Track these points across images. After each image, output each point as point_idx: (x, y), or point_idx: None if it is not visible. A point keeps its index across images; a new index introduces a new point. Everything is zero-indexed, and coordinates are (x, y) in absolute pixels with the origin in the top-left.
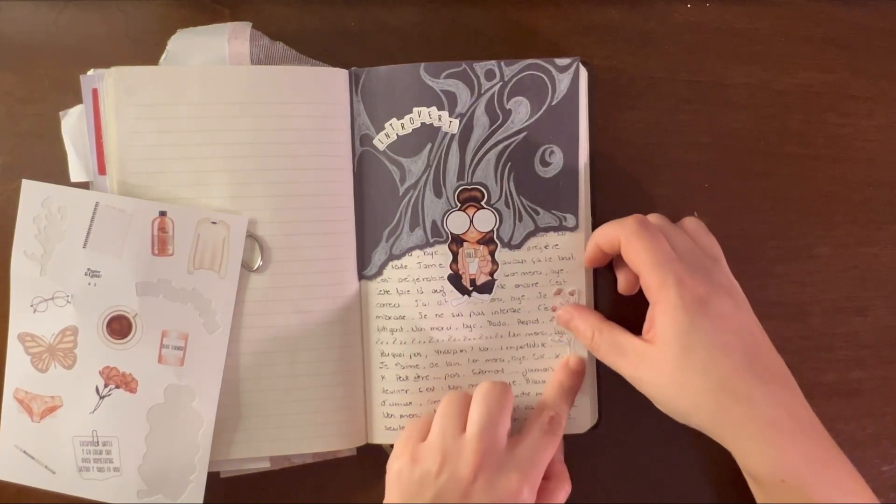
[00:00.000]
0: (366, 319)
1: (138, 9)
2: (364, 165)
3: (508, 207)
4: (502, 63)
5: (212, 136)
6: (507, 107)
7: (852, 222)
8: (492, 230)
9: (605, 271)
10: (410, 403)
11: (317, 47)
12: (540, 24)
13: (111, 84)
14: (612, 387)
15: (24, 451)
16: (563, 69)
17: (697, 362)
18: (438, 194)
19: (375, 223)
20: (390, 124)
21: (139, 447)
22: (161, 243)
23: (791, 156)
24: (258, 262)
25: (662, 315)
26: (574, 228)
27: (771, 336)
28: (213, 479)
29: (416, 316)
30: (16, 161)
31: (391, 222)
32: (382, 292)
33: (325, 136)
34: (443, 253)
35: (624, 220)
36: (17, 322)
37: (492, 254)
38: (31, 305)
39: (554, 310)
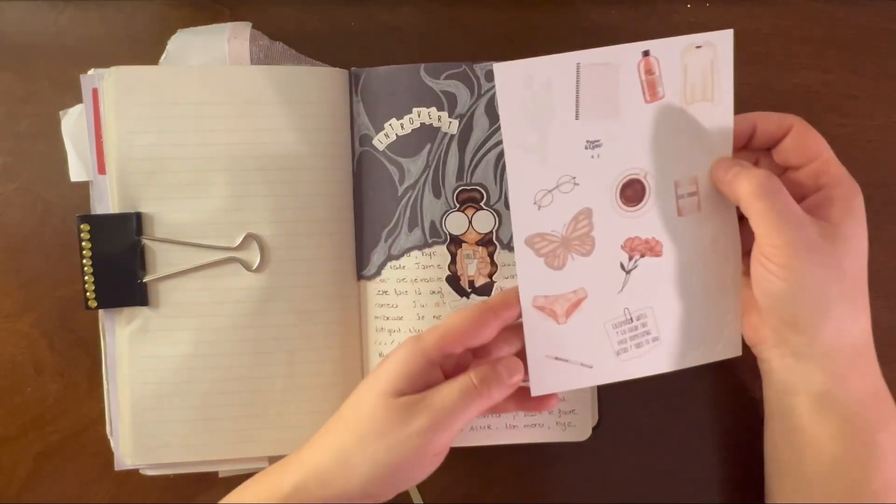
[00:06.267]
0: (364, 320)
1: (138, 9)
2: (363, 165)
3: (508, 209)
4: None
5: (212, 136)
6: None
7: None
8: (491, 231)
9: None
10: None
11: (317, 47)
12: (540, 24)
13: (111, 84)
14: (611, 387)
15: (557, 358)
16: None
17: (850, 252)
18: (437, 195)
19: (374, 223)
20: (390, 124)
21: (675, 309)
22: (650, 87)
23: None
24: (257, 262)
25: (845, 199)
26: None
27: None
28: (211, 479)
29: (414, 317)
30: (16, 161)
31: (390, 222)
32: (381, 293)
33: (324, 136)
34: (441, 254)
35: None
36: (522, 226)
37: (491, 255)
38: (535, 203)
39: None
